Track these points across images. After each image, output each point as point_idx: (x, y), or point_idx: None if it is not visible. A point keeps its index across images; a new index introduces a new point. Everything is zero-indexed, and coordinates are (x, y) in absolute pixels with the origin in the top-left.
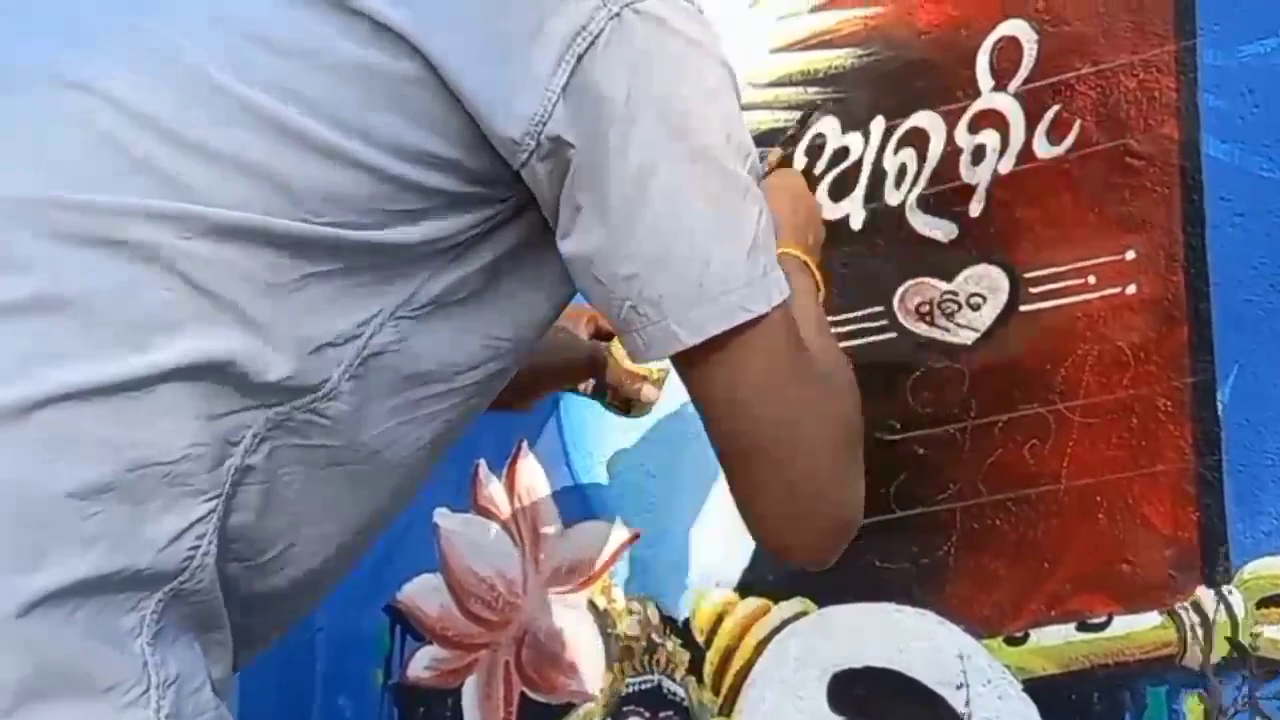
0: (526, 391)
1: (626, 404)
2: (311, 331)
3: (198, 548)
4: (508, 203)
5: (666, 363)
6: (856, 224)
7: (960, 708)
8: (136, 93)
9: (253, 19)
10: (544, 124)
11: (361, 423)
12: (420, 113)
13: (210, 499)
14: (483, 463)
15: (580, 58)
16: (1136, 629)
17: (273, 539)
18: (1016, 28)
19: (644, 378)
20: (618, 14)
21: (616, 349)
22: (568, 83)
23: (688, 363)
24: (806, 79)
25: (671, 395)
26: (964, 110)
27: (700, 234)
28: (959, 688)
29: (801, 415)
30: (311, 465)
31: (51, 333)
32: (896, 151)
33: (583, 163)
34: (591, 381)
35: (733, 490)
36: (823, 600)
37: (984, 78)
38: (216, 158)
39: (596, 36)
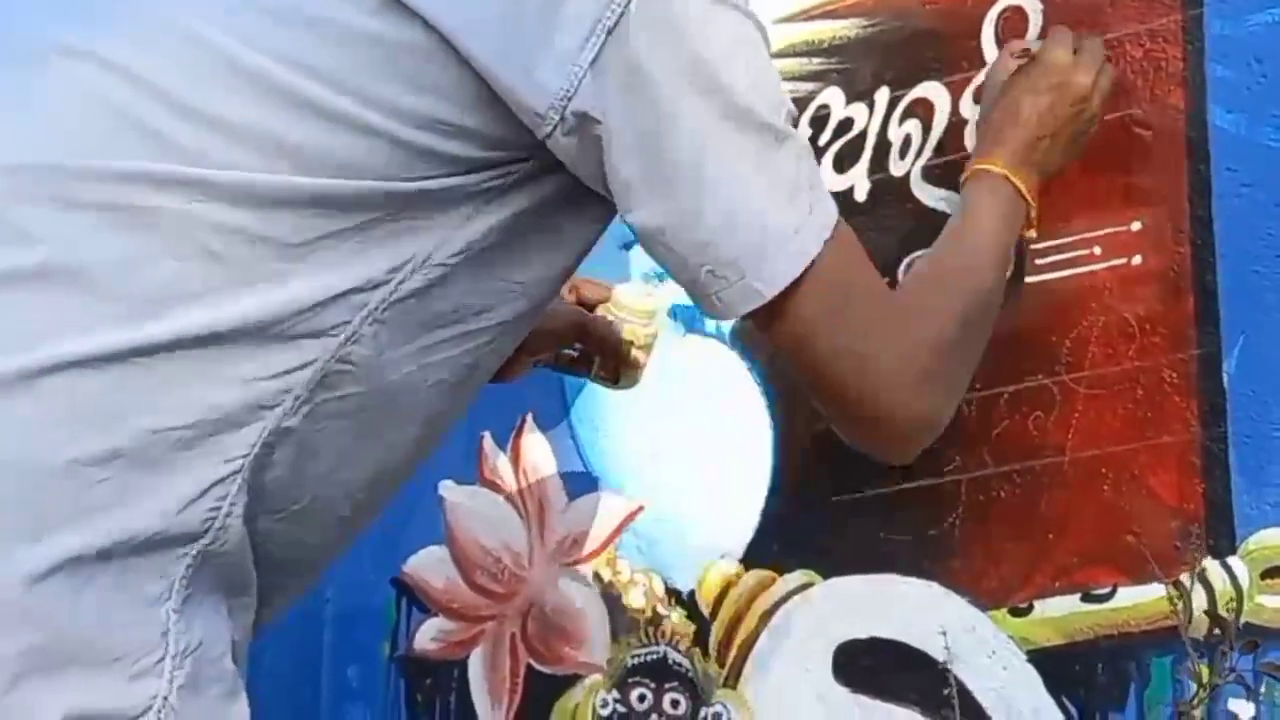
0: (512, 360)
1: (615, 374)
2: (333, 281)
3: (219, 509)
4: (534, 161)
5: (653, 327)
6: (861, 196)
7: (965, 678)
8: (146, 64)
9: None
10: (569, 99)
11: (384, 366)
12: (432, 82)
13: (233, 460)
14: (488, 436)
15: (610, 31)
16: (1141, 600)
17: (303, 489)
18: None
19: (631, 343)
20: None
21: (602, 316)
22: (596, 57)
23: (765, 315)
24: (811, 49)
25: (675, 368)
26: (969, 80)
27: (754, 190)
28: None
29: (868, 335)
30: (341, 415)
31: (58, 302)
32: (901, 122)
33: (622, 135)
34: (575, 352)
35: (820, 406)
36: (828, 572)
37: (989, 47)
38: (227, 126)
39: (625, 7)
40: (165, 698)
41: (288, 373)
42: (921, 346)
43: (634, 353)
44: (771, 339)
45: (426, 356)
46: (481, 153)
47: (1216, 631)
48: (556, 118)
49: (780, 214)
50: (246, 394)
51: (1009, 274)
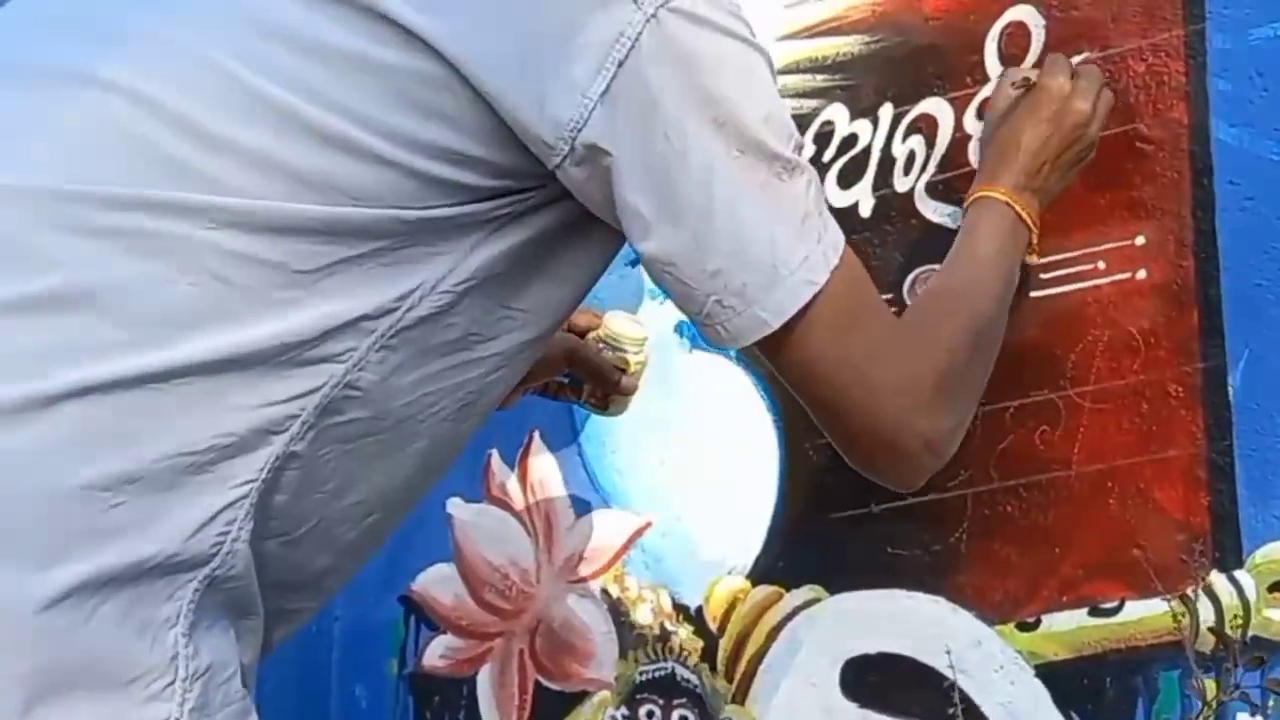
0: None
1: (604, 401)
2: (343, 308)
3: (227, 533)
4: (543, 190)
5: (643, 354)
6: (865, 211)
7: (973, 693)
8: (161, 90)
9: (277, 20)
10: (579, 130)
11: (390, 392)
12: (443, 112)
13: (242, 484)
14: (495, 453)
15: (621, 63)
16: (1149, 614)
17: (308, 513)
18: (1024, 13)
19: (622, 370)
20: (654, 15)
21: (593, 343)
22: (607, 89)
23: (768, 343)
24: (814, 66)
25: (681, 384)
26: (972, 96)
27: (763, 220)
28: (966, 673)
29: (874, 359)
30: (346, 440)
31: (73, 327)
32: (905, 138)
33: (632, 167)
34: (565, 380)
35: (828, 434)
36: (835, 587)
37: (993, 63)
38: (242, 154)
39: (636, 40)
40: (178, 719)
41: (296, 398)
42: (928, 372)
43: (624, 380)
44: (778, 368)
45: (432, 384)
46: (492, 182)
47: (1223, 647)
48: (566, 148)
49: (788, 244)
50: (256, 419)
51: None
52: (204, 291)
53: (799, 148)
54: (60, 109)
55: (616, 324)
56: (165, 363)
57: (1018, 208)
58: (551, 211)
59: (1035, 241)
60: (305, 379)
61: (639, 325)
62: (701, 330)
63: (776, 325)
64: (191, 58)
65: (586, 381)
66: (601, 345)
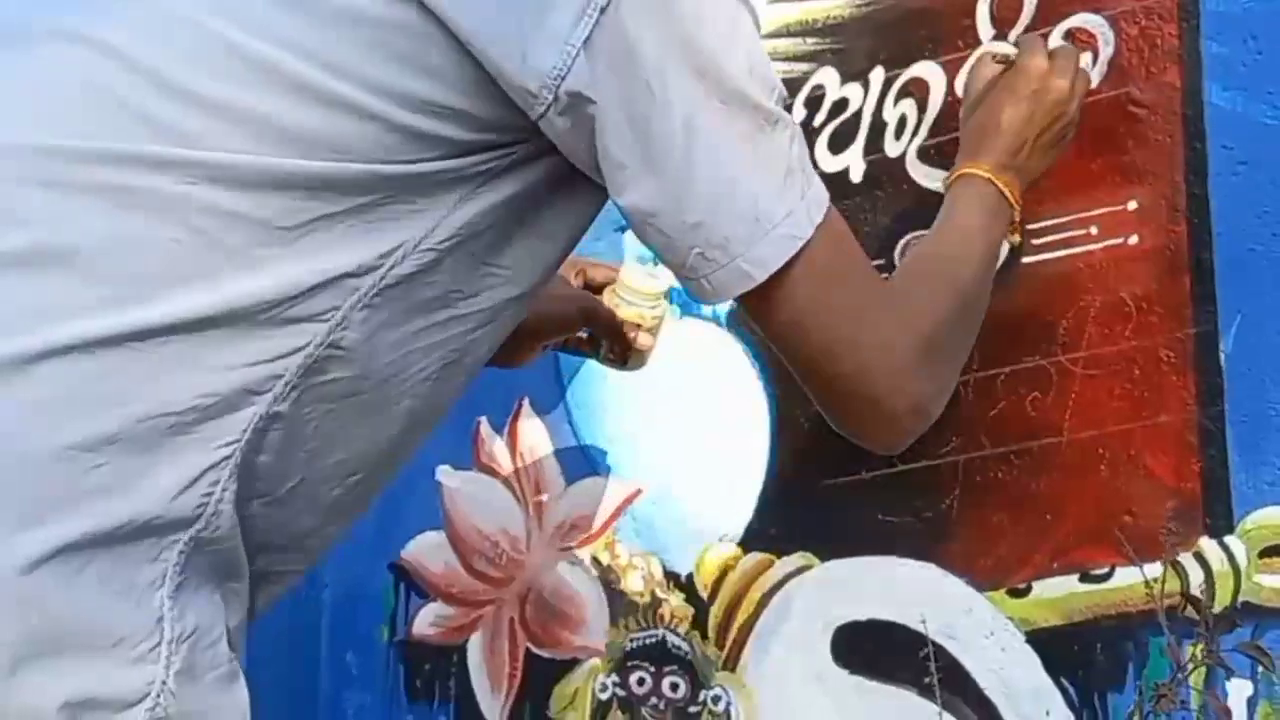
0: (520, 346)
1: (623, 356)
2: (324, 265)
3: (211, 494)
4: (526, 144)
5: (660, 309)
6: (856, 176)
7: (964, 659)
8: (138, 46)
9: None
10: (562, 78)
11: (373, 351)
12: (426, 63)
13: (225, 445)
14: (484, 420)
15: (602, 10)
16: (1139, 579)
17: (290, 472)
18: None
19: (638, 325)
20: None
21: (609, 300)
22: (589, 37)
23: (756, 299)
24: (805, 29)
25: (673, 352)
26: (964, 60)
27: (745, 173)
28: (957, 639)
29: (860, 317)
30: (329, 400)
31: (53, 284)
32: (896, 102)
33: (613, 116)
34: (584, 335)
35: (811, 394)
36: (825, 554)
37: (984, 26)
38: (222, 109)
39: None
40: (163, 682)
41: (279, 358)
42: (915, 334)
43: (641, 335)
44: (762, 325)
45: (415, 342)
46: (476, 135)
47: (1215, 611)
48: (550, 97)
49: (772, 197)
50: (238, 379)
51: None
52: (184, 248)
53: (783, 101)
54: (36, 66)
55: (632, 278)
56: (146, 321)
57: (1000, 185)
58: (535, 167)
59: (1017, 219)
60: (288, 338)
61: (655, 279)
62: (685, 285)
63: (760, 279)
64: (169, 13)
65: (604, 338)
66: (618, 300)
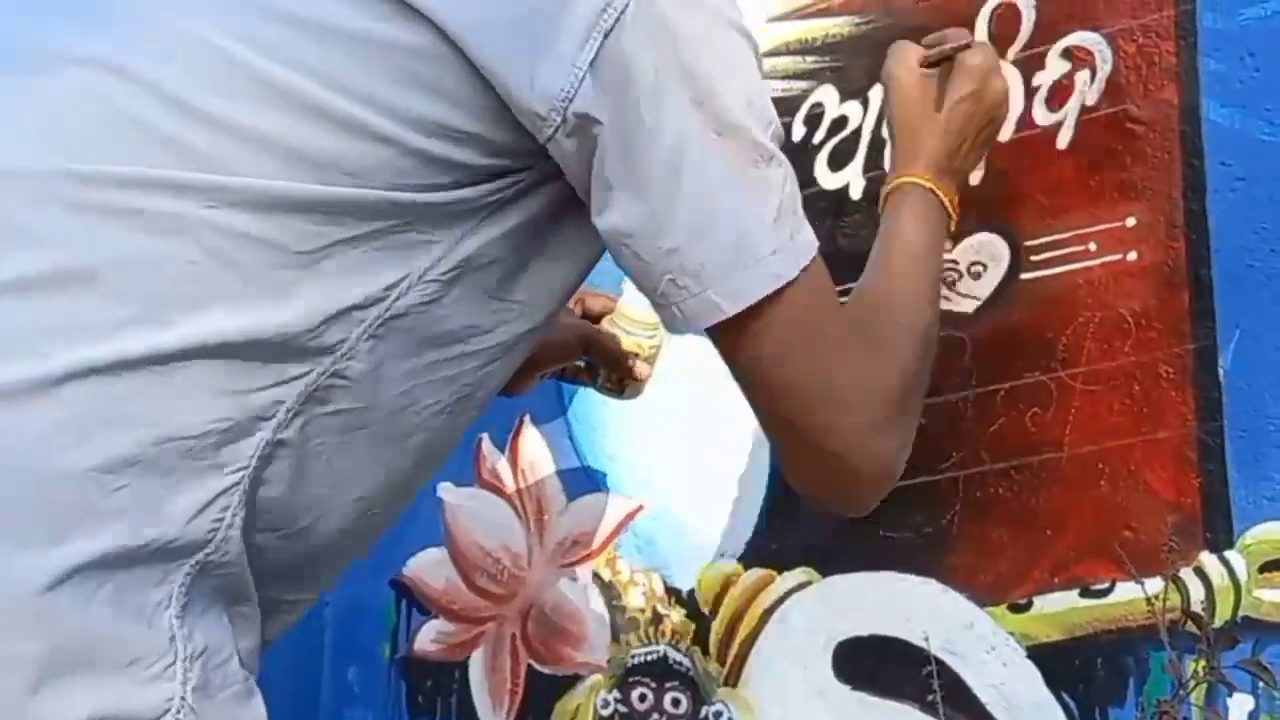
0: (520, 374)
1: (620, 385)
2: (337, 295)
3: (222, 520)
4: (533, 170)
5: (658, 338)
6: (856, 194)
7: (965, 674)
8: (156, 69)
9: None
10: (570, 100)
11: (380, 383)
12: (440, 88)
13: (235, 472)
14: (486, 437)
15: (607, 34)
16: (1140, 595)
17: (305, 508)
18: None
19: (636, 355)
20: None
21: (607, 328)
22: (594, 59)
23: (722, 331)
24: (804, 47)
25: (674, 368)
26: None
27: (732, 204)
28: (958, 654)
29: (832, 371)
30: (337, 432)
31: (72, 307)
32: None
33: (612, 139)
34: (582, 364)
35: (774, 446)
36: (827, 570)
37: None
38: (242, 132)
39: (622, 12)
40: (182, 699)
41: (282, 384)
42: (886, 389)
43: (638, 365)
44: (731, 364)
45: (424, 376)
46: (488, 160)
47: (1215, 627)
48: (558, 119)
49: (759, 231)
50: (247, 405)
51: None
52: (201, 270)
53: (779, 140)
54: (55, 90)
55: (630, 309)
56: (165, 344)
57: (942, 195)
58: (538, 196)
59: (953, 230)
60: (293, 365)
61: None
62: (659, 313)
63: (730, 312)
64: (187, 37)
65: (602, 368)
66: (616, 330)
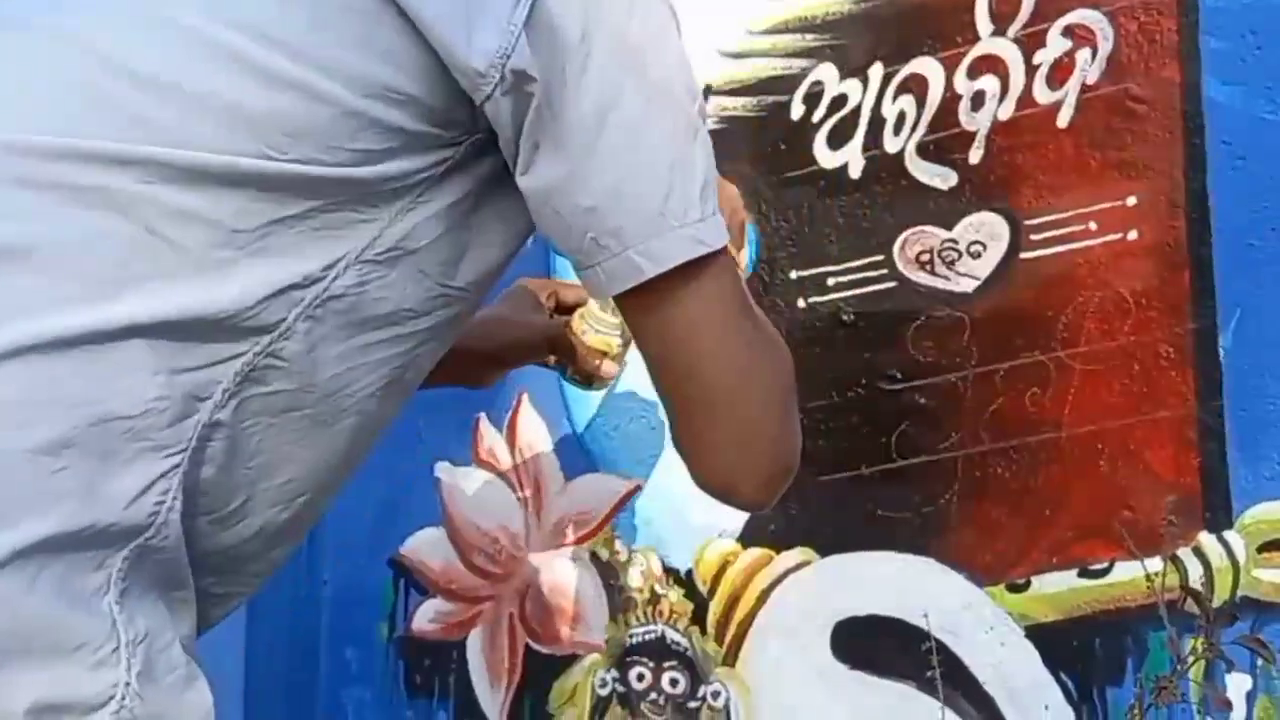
0: (488, 369)
1: (588, 378)
2: (277, 274)
3: (162, 503)
4: (465, 144)
5: (626, 335)
6: (855, 172)
7: (963, 654)
8: (99, 35)
9: None
10: (508, 57)
11: (315, 364)
12: (381, 46)
13: (174, 454)
14: (483, 416)
15: None
16: (1138, 575)
17: (236, 489)
18: None
19: (604, 353)
20: None
21: (577, 325)
22: (528, 18)
23: (645, 302)
24: (804, 25)
25: None
26: (963, 56)
27: (659, 166)
28: (956, 634)
29: (755, 361)
30: (271, 413)
31: (13, 282)
32: (895, 98)
33: (542, 98)
34: (553, 356)
35: (680, 434)
36: (825, 550)
37: (983, 22)
38: (178, 93)
39: None
40: (127, 684)
41: (219, 363)
42: (786, 380)
43: (605, 364)
44: (641, 337)
45: (358, 358)
46: (423, 126)
47: (1214, 606)
48: (497, 76)
49: (685, 198)
50: (185, 384)
51: None
52: (140, 248)
53: (703, 116)
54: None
55: (598, 305)
56: (103, 322)
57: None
58: (471, 173)
59: None
60: (229, 344)
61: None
62: (581, 278)
63: (651, 273)
64: (130, 3)
65: (569, 363)
66: (585, 326)
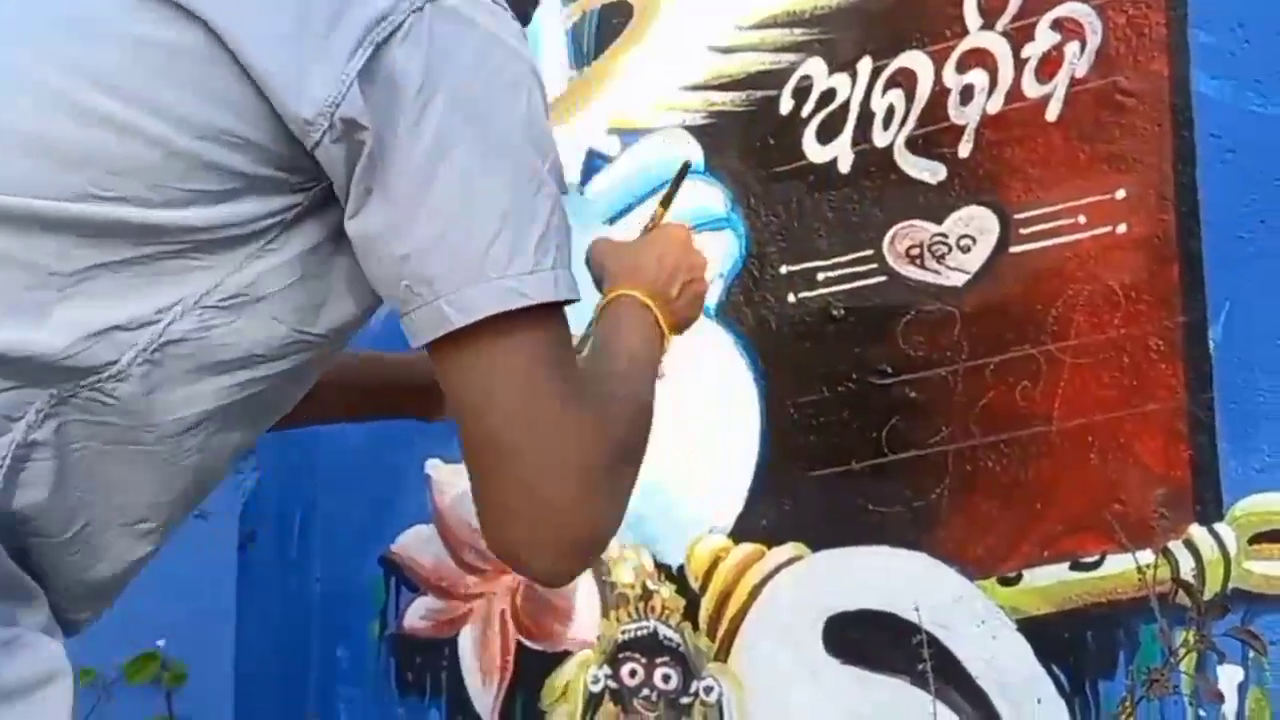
0: (430, 401)
1: None
2: (98, 316)
3: None
4: (310, 191)
5: None
6: (844, 167)
7: (955, 648)
8: None
9: (55, 8)
10: (337, 105)
11: (154, 406)
12: (211, 89)
13: None
14: None
15: (379, 45)
16: (1130, 567)
17: (70, 515)
18: None
19: None
20: (420, 7)
21: None
22: (364, 68)
23: (449, 351)
24: (792, 20)
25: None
26: (952, 49)
27: (486, 218)
28: (948, 628)
29: (553, 426)
30: (102, 441)
31: None
32: (884, 92)
33: (375, 145)
34: None
35: (473, 492)
36: (816, 545)
37: (972, 16)
38: (9, 135)
39: (398, 26)
40: None
41: (27, 386)
42: (610, 446)
43: None
44: (446, 383)
45: (206, 402)
46: (264, 170)
47: (1206, 598)
48: (325, 124)
49: (508, 249)
50: None
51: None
52: None
53: (558, 176)
54: None
55: None
56: None
57: (655, 310)
58: (320, 222)
59: (663, 355)
60: (46, 378)
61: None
62: (403, 324)
63: (458, 324)
64: None
65: None
66: None
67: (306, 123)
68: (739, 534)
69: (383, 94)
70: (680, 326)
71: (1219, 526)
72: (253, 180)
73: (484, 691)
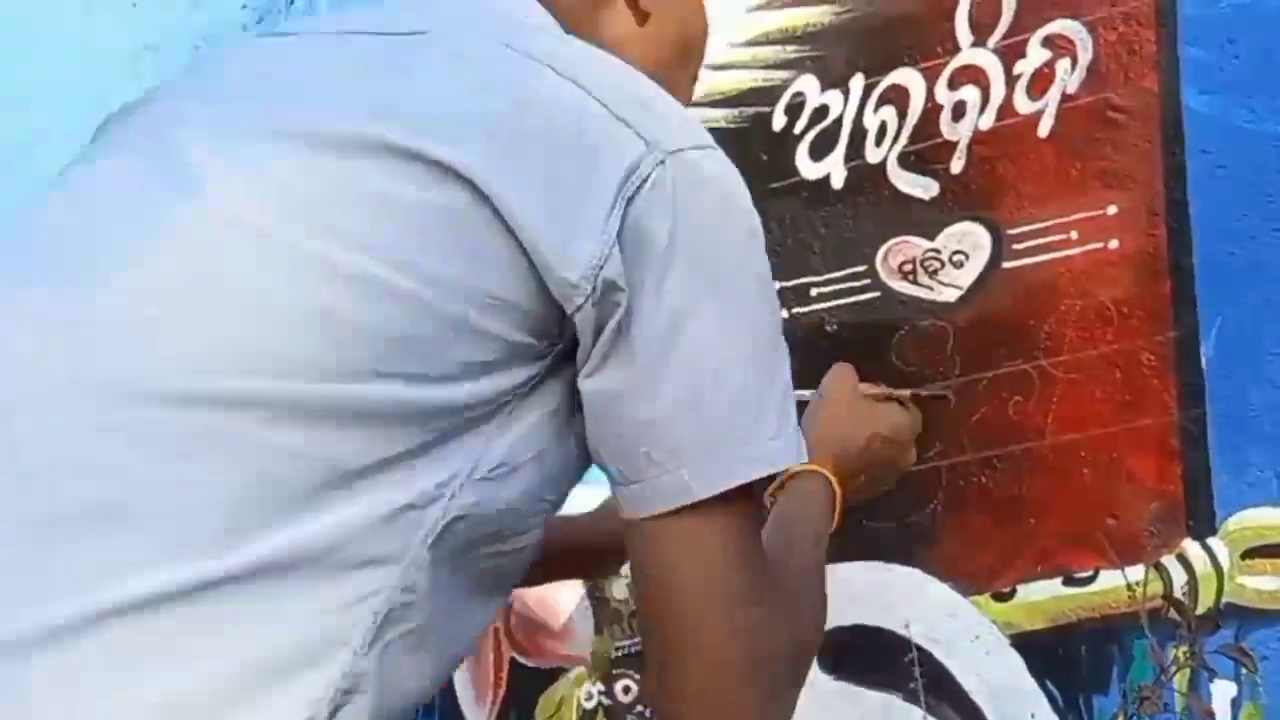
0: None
1: None
2: (393, 496)
3: None
4: (550, 357)
5: None
6: (837, 183)
7: (949, 663)
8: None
9: (310, 176)
10: (601, 267)
11: (438, 592)
12: (484, 254)
13: (308, 704)
14: None
15: (630, 200)
16: (1123, 582)
17: None
18: None
19: None
20: (663, 161)
21: None
22: (621, 226)
23: (669, 521)
24: (785, 37)
25: None
26: (944, 66)
27: (730, 385)
28: (941, 643)
29: (733, 616)
30: (408, 653)
31: (116, 538)
32: (877, 109)
33: (626, 306)
34: None
35: (647, 677)
36: None
37: (963, 33)
38: (288, 312)
39: (644, 181)
40: None
41: (351, 605)
42: (799, 646)
43: None
44: (654, 558)
45: (473, 585)
46: (521, 337)
47: (1198, 613)
48: (589, 288)
49: (758, 415)
50: (308, 631)
51: None
52: (249, 493)
53: (780, 329)
54: (102, 294)
55: None
56: (209, 573)
57: (839, 496)
58: (561, 380)
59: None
60: (358, 580)
61: None
62: (616, 492)
63: (700, 496)
64: (234, 221)
65: None
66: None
67: (570, 285)
68: None
69: (633, 252)
70: (849, 500)
71: (1212, 541)
72: (510, 346)
73: (477, 709)
